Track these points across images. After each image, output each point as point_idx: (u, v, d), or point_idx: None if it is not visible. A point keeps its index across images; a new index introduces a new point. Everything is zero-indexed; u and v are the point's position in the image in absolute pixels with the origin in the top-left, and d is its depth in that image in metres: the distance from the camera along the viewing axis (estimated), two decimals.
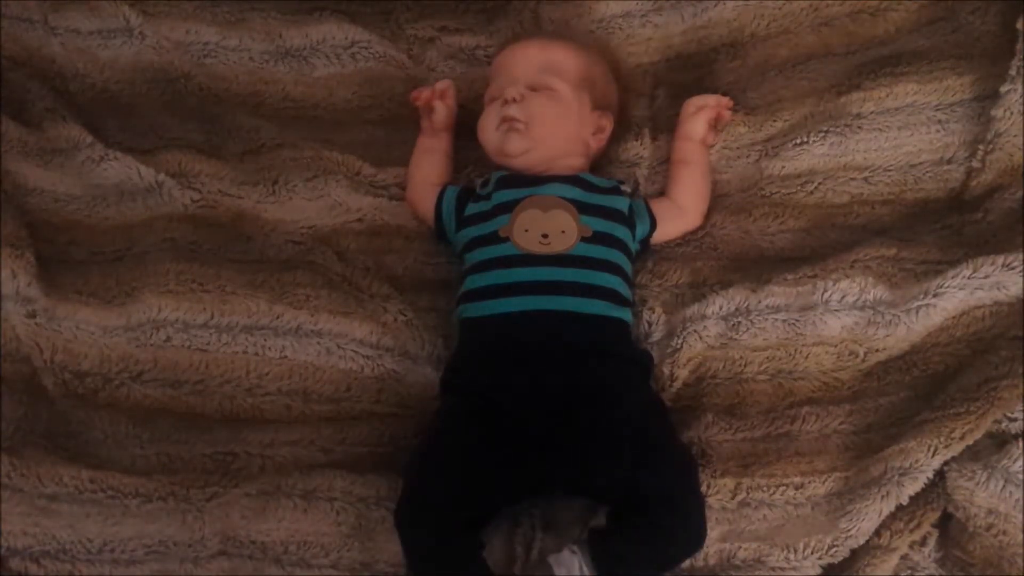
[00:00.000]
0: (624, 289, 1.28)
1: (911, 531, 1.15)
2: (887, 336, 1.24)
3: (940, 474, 1.15)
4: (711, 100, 1.40)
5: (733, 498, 1.19)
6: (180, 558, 1.18)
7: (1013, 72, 1.29)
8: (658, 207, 1.36)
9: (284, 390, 1.28)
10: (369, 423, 1.28)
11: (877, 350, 1.25)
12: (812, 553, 1.14)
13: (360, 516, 1.20)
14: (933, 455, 1.13)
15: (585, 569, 1.10)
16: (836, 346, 1.25)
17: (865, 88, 1.37)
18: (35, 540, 1.18)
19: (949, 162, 1.35)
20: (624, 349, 1.26)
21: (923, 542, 1.15)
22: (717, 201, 1.39)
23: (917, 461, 1.13)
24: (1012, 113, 1.30)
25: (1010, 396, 1.14)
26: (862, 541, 1.14)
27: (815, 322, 1.25)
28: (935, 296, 1.22)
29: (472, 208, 1.34)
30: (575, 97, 1.35)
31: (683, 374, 1.27)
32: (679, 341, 1.27)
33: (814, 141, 1.37)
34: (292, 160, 1.42)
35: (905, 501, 1.14)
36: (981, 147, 1.31)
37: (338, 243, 1.39)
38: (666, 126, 1.43)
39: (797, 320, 1.26)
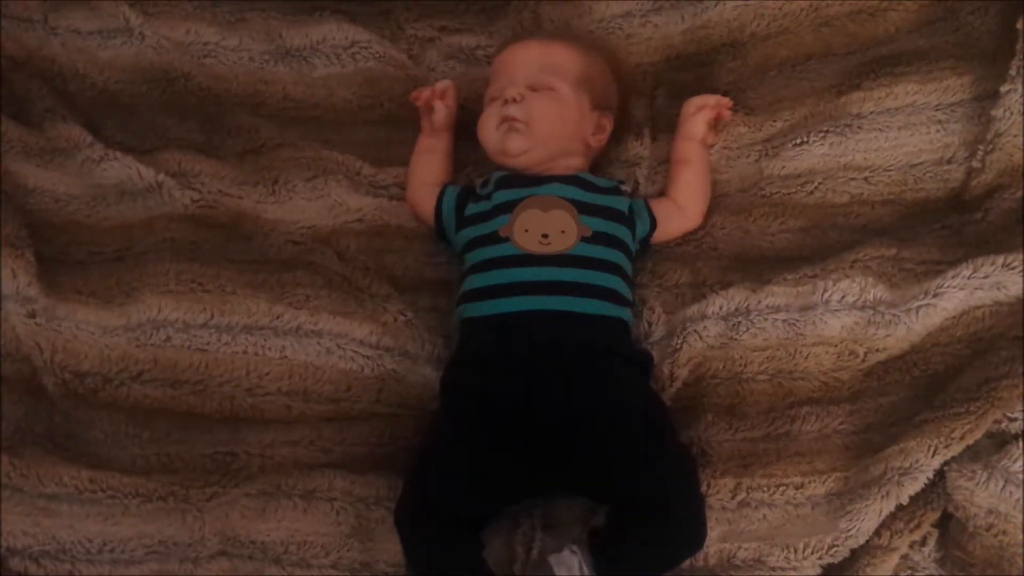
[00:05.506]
0: (624, 289, 1.28)
1: (911, 531, 1.15)
2: (887, 336, 1.24)
3: (940, 474, 1.15)
4: (711, 100, 1.40)
5: (733, 498, 1.19)
6: (180, 558, 1.18)
7: (1013, 72, 1.29)
8: (658, 207, 1.36)
9: (284, 390, 1.28)
10: (369, 423, 1.28)
11: (877, 350, 1.25)
12: (812, 553, 1.14)
13: (360, 516, 1.20)
14: (933, 455, 1.13)
15: (585, 569, 1.10)
16: (836, 346, 1.25)
17: (865, 88, 1.37)
18: (35, 540, 1.18)
19: (949, 162, 1.35)
20: (624, 349, 1.25)
21: (923, 542, 1.15)
22: (717, 201, 1.39)
23: (917, 461, 1.13)
24: (1012, 113, 1.29)
25: (1010, 396, 1.14)
26: (862, 541, 1.14)
27: (815, 322, 1.25)
28: (935, 296, 1.22)
29: (472, 208, 1.34)
30: (575, 97, 1.35)
31: (683, 374, 1.27)
32: (679, 341, 1.27)
33: (814, 141, 1.37)
34: (292, 160, 1.43)
35: (905, 501, 1.14)
36: (981, 147, 1.31)
37: (338, 243, 1.39)
38: (666, 126, 1.43)
39: (797, 320, 1.26)
